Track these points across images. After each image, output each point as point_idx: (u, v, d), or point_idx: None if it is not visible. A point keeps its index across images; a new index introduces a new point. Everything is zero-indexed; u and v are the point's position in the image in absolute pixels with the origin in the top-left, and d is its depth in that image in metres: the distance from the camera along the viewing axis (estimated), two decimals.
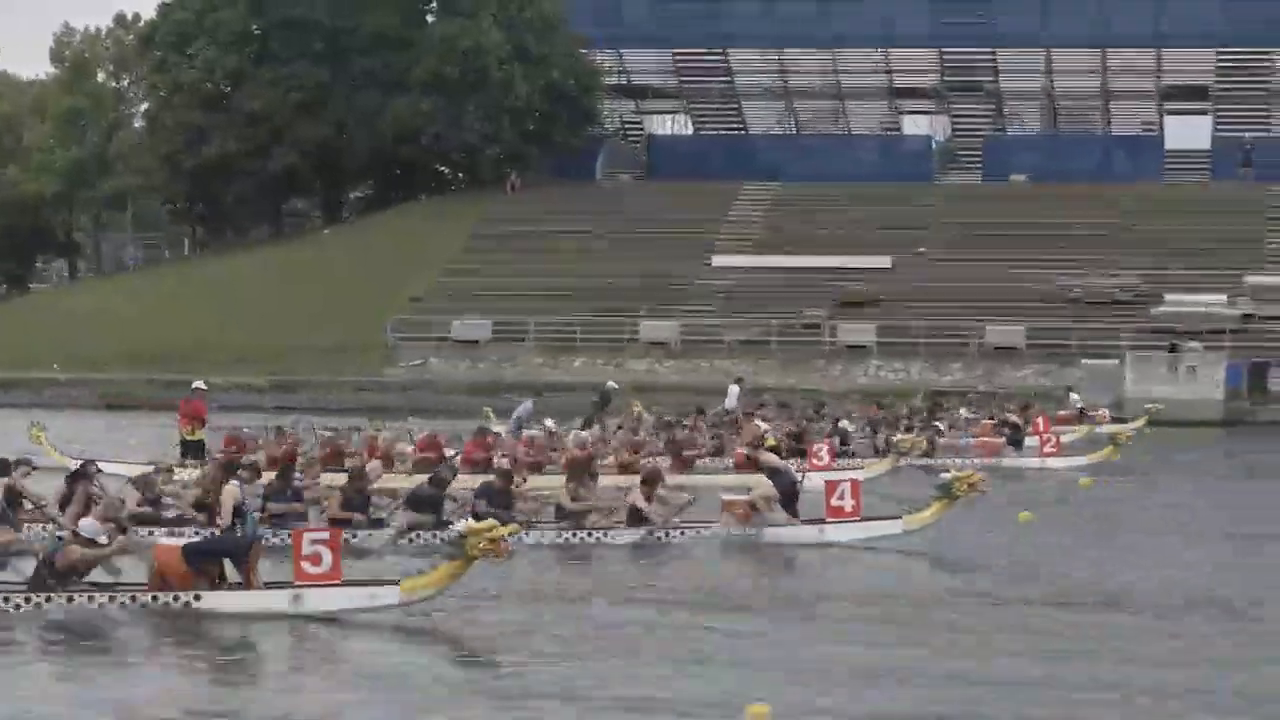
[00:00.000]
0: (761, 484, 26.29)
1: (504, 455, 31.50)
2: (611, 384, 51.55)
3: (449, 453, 32.69)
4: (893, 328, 70.71)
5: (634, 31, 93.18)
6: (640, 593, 21.24)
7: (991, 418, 46.35)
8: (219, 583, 19.34)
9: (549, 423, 38.75)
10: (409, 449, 33.35)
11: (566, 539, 25.16)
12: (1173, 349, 62.68)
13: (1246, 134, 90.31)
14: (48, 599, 18.80)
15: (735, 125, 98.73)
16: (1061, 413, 51.70)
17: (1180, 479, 39.58)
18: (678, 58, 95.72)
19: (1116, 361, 62.86)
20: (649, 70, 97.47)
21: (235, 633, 18.32)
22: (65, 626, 18.29)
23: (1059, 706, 14.92)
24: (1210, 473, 42.63)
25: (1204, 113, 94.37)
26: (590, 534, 25.35)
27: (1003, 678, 15.99)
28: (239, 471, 24.94)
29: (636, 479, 27.11)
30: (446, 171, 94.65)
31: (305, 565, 18.93)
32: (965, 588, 21.75)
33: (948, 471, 26.59)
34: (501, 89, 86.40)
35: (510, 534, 18.70)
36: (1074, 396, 56.39)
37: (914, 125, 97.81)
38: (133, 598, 18.90)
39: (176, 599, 18.90)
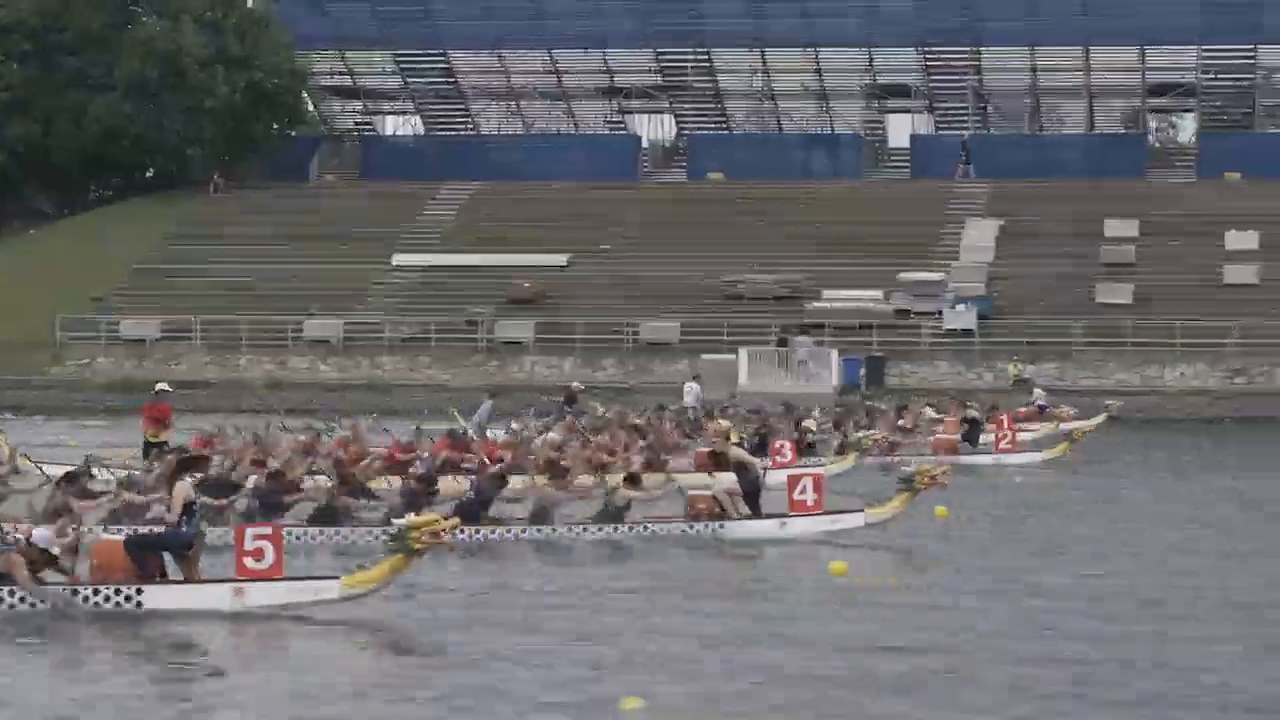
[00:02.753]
0: (725, 479, 26.88)
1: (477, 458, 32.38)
2: (576, 384, 51.91)
3: (424, 455, 33.03)
4: (552, 324, 71.81)
5: (355, 33, 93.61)
6: (603, 589, 21.69)
7: (962, 412, 46.99)
8: (160, 578, 19.53)
9: (515, 425, 39.66)
10: (383, 450, 33.96)
11: (534, 535, 26.01)
12: (782, 343, 64.01)
13: (965, 132, 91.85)
14: None
15: (466, 126, 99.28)
16: (1022, 409, 51.90)
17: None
18: (399, 59, 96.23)
19: (733, 356, 64.17)
20: (373, 72, 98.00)
21: (176, 628, 18.46)
22: (3, 623, 18.44)
23: None
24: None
25: (919, 110, 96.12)
26: (556, 529, 26.23)
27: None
28: (232, 473, 27.09)
29: (607, 478, 28.05)
30: (171, 170, 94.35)
31: (247, 560, 18.99)
32: None
33: (908, 467, 27.23)
34: (201, 90, 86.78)
35: (451, 528, 19.07)
36: (1036, 392, 56.58)
37: (639, 125, 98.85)
38: (74, 592, 19.02)
39: (118, 592, 18.99)
